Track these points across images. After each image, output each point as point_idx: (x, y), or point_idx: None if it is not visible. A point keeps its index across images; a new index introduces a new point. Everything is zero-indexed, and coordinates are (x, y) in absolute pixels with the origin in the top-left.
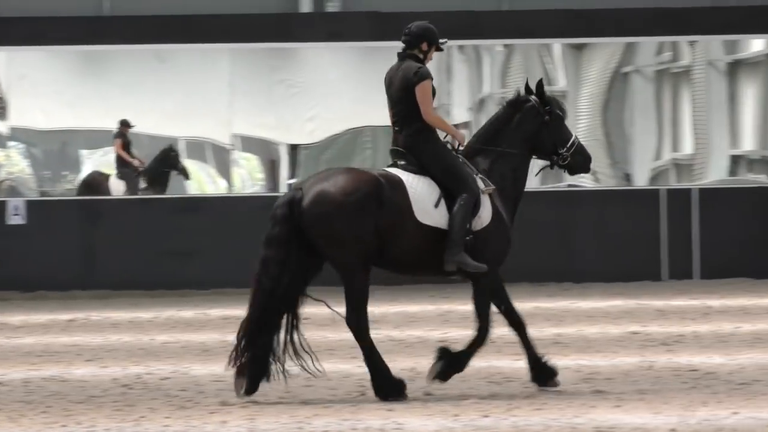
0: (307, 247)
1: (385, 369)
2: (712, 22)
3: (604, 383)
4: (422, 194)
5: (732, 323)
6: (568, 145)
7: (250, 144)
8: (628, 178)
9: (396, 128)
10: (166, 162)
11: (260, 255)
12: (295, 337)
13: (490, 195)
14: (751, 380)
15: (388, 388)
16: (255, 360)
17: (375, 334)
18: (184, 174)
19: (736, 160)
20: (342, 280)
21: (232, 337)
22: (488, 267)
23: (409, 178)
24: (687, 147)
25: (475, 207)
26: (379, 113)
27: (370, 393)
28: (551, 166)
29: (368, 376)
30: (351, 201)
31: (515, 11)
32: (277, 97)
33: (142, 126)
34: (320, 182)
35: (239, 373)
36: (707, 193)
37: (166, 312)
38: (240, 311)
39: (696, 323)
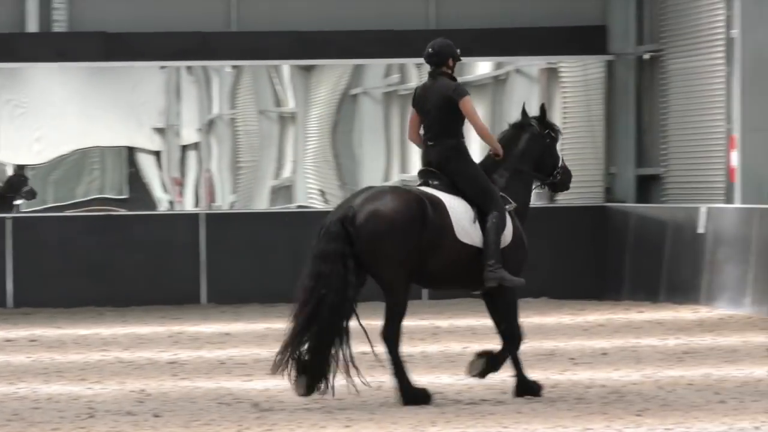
0: (356, 263)
1: (408, 381)
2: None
3: (334, 404)
4: (460, 213)
5: (460, 343)
6: (560, 165)
7: None
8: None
9: (430, 143)
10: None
11: (311, 269)
12: (347, 350)
13: (509, 213)
14: (479, 400)
15: (414, 397)
16: (311, 368)
17: (103, 356)
18: (30, 196)
19: None
20: (384, 294)
21: None
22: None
23: (446, 198)
24: (415, 168)
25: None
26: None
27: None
28: (543, 186)
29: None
30: (401, 220)
31: (244, 32)
32: (4, 117)
33: None
34: (371, 201)
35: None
36: None
37: None
38: None
39: (425, 343)
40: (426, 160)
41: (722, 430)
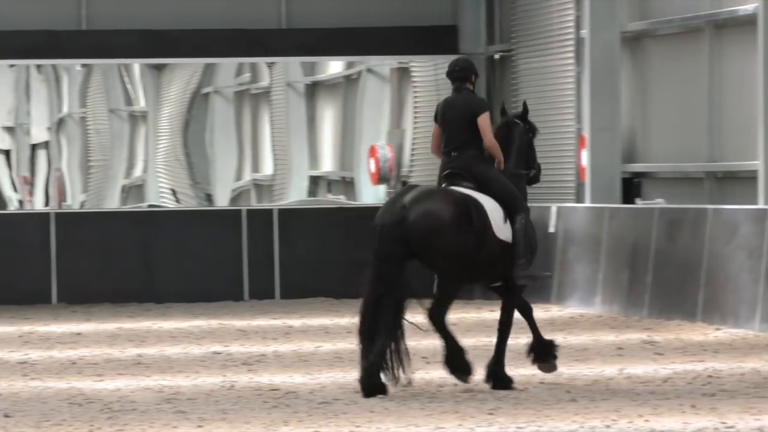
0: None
1: (459, 349)
2: (289, 44)
3: (186, 403)
4: (494, 212)
5: (313, 342)
6: (537, 160)
7: None
8: (209, 198)
9: (454, 153)
10: None
11: (375, 271)
12: (403, 345)
13: None
14: (332, 399)
15: (457, 364)
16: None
17: None
18: None
19: (315, 181)
20: (440, 283)
21: None
22: None
23: (481, 198)
24: (267, 168)
25: None
26: None
27: None
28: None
29: None
30: (455, 218)
31: (94, 31)
32: None
33: None
34: (423, 201)
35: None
36: (287, 214)
37: None
38: None
39: (277, 343)
40: (447, 167)
41: (573, 428)
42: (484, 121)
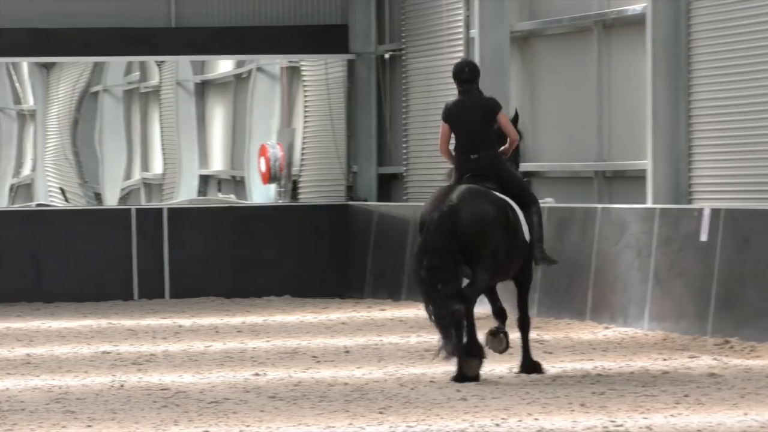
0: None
1: (474, 335)
2: (178, 43)
3: (75, 403)
4: (521, 215)
5: (203, 342)
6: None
7: None
8: (98, 197)
9: (473, 155)
10: None
11: (428, 264)
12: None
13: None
14: (222, 398)
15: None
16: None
17: None
18: None
19: (205, 180)
20: (482, 276)
21: None
22: None
23: (508, 200)
24: (157, 167)
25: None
26: None
27: None
28: None
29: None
30: (500, 217)
31: None
32: None
33: None
34: (472, 200)
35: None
36: (177, 213)
37: None
38: None
39: (167, 342)
40: (472, 167)
41: (463, 427)
42: (505, 118)
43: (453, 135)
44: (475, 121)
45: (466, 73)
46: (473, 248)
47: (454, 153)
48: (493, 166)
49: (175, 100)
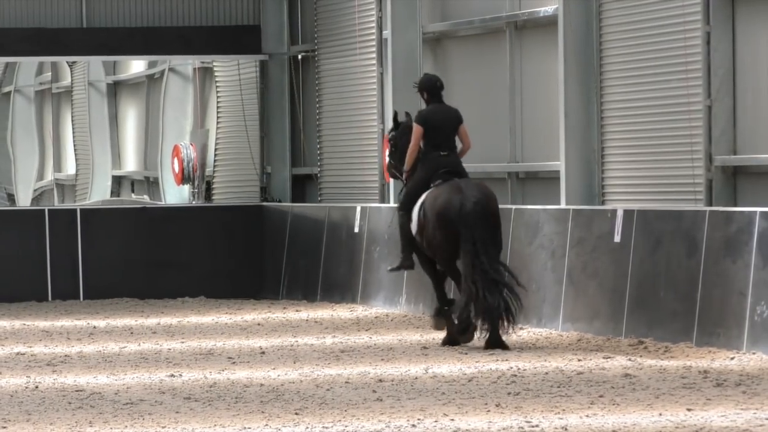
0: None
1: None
2: (90, 43)
3: None
4: None
5: (117, 343)
6: None
7: None
8: (11, 198)
9: (444, 153)
10: None
11: (466, 245)
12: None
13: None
14: (137, 400)
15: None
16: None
17: None
18: None
19: (118, 181)
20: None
21: None
22: None
23: None
24: (70, 167)
25: None
26: None
27: None
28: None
29: None
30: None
31: None
32: None
33: None
34: (480, 190)
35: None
36: (90, 214)
37: None
38: None
39: (81, 343)
40: (444, 163)
41: (379, 427)
42: (465, 128)
43: (423, 137)
44: (446, 126)
45: (438, 87)
46: (491, 226)
47: (422, 152)
48: (459, 163)
49: (87, 101)
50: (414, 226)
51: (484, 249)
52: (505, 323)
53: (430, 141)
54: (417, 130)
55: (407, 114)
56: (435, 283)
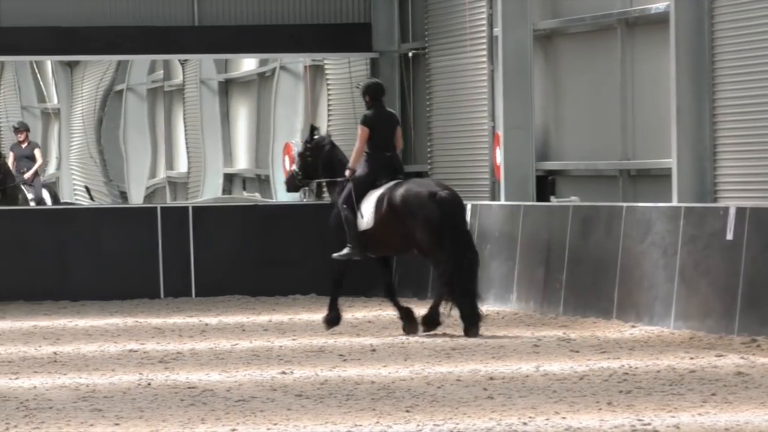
0: None
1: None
2: (201, 42)
3: (102, 401)
4: None
5: (229, 340)
6: None
7: None
8: (123, 195)
9: (388, 154)
10: None
11: (450, 234)
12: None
13: None
14: (249, 397)
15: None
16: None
17: None
18: None
19: (230, 178)
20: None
21: None
22: None
23: None
24: (182, 165)
25: None
26: None
27: None
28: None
29: None
30: None
31: (6, 27)
32: None
33: None
34: (448, 188)
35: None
36: (202, 211)
37: None
38: None
39: (193, 340)
40: (389, 163)
41: (490, 425)
42: (399, 131)
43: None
44: (387, 128)
45: (380, 91)
46: (460, 218)
47: (367, 153)
48: (401, 163)
49: (199, 99)
50: (366, 222)
51: (464, 237)
52: (480, 305)
53: (374, 142)
54: (364, 131)
55: (320, 131)
56: (388, 291)
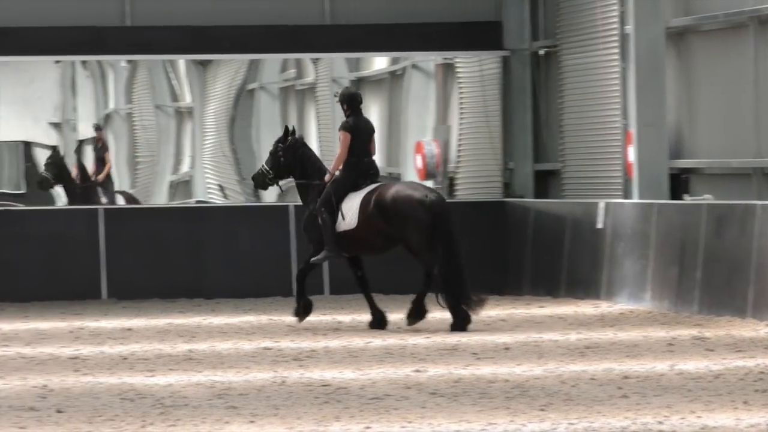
0: None
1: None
2: (333, 41)
3: (237, 399)
4: None
5: (362, 338)
6: None
7: None
8: (256, 194)
9: (366, 159)
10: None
11: (440, 236)
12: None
13: None
14: (383, 395)
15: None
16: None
17: (4, 351)
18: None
19: None
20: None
21: None
22: None
23: None
24: None
25: None
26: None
27: None
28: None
29: None
30: None
31: (138, 27)
32: None
33: None
34: (436, 192)
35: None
36: None
37: None
38: None
39: (327, 338)
40: (366, 168)
41: (625, 424)
42: (374, 138)
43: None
44: (366, 135)
45: (358, 101)
46: (447, 220)
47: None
48: (377, 167)
49: (330, 97)
50: (348, 222)
51: (452, 238)
52: (472, 300)
53: (354, 148)
54: (346, 137)
55: (297, 133)
56: (365, 293)
